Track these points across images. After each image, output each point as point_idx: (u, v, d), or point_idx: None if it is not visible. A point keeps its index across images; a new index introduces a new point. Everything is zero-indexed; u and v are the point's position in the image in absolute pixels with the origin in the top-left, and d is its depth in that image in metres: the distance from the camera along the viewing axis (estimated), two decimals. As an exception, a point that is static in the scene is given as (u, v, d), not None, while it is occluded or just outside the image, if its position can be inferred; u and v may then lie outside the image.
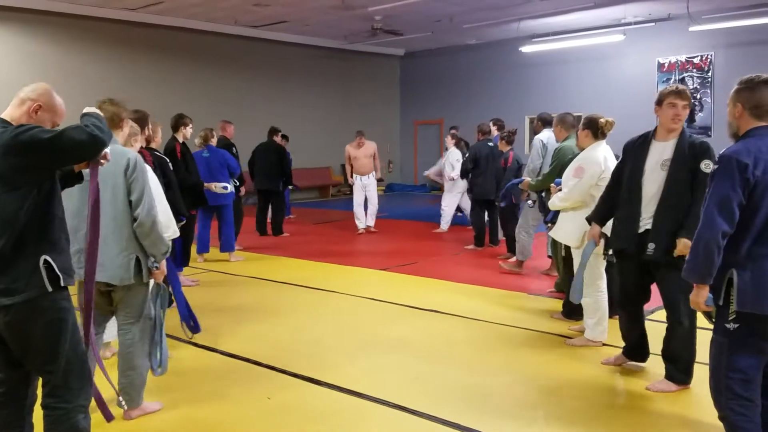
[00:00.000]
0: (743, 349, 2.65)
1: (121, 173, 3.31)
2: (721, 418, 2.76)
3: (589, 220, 4.23)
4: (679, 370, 3.80)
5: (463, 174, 9.05)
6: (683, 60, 13.49)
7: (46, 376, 2.61)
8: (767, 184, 2.58)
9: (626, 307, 4.03)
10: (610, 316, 4.69)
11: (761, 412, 2.69)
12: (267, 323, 5.41)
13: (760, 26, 11.77)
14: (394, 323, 5.37)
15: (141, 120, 4.94)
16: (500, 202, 6.91)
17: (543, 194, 6.04)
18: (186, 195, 5.98)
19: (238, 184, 8.05)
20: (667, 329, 3.86)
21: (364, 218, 10.33)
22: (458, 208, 10.46)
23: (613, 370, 4.18)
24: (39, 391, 2.72)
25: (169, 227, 4.25)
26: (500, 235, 8.57)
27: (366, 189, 10.31)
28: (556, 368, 4.25)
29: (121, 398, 3.47)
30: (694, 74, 13.40)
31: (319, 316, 5.62)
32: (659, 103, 3.80)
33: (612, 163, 4.46)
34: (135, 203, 3.34)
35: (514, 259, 7.36)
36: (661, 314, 4.12)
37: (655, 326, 4.29)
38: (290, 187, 10.32)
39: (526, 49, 14.70)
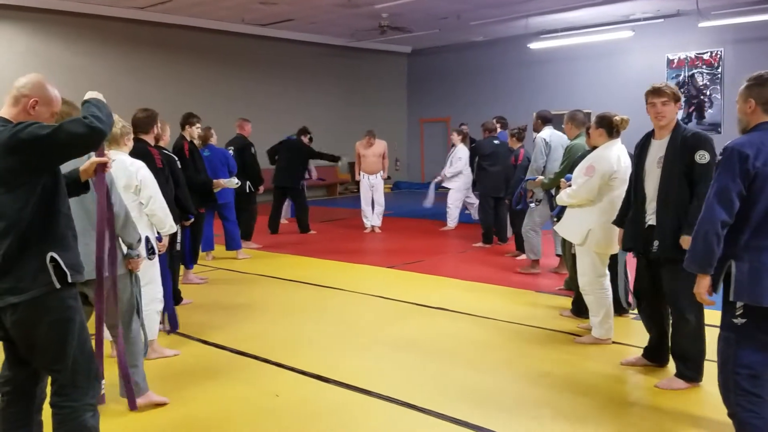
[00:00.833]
0: (751, 344, 2.66)
1: None
2: (730, 415, 2.76)
3: (615, 223, 4.22)
4: (688, 368, 3.79)
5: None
6: (692, 56, 13.39)
7: (53, 375, 2.62)
8: (767, 176, 2.60)
9: (641, 303, 4.05)
10: (616, 314, 4.66)
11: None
12: (274, 320, 5.42)
13: (770, 22, 11.69)
14: (402, 321, 5.36)
15: (150, 119, 4.97)
16: (515, 205, 6.88)
17: (552, 191, 6.02)
18: (194, 193, 5.99)
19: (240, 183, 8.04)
20: (673, 326, 3.87)
21: (372, 216, 10.32)
22: (464, 206, 10.45)
23: (622, 369, 4.16)
24: (48, 389, 2.71)
25: (166, 222, 4.26)
26: (509, 233, 8.57)
27: (373, 189, 10.25)
28: (564, 366, 4.23)
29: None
30: (704, 70, 13.30)
31: (327, 314, 5.63)
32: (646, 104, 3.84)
33: (625, 163, 4.46)
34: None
35: (523, 257, 7.35)
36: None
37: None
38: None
39: (534, 45, 14.63)
